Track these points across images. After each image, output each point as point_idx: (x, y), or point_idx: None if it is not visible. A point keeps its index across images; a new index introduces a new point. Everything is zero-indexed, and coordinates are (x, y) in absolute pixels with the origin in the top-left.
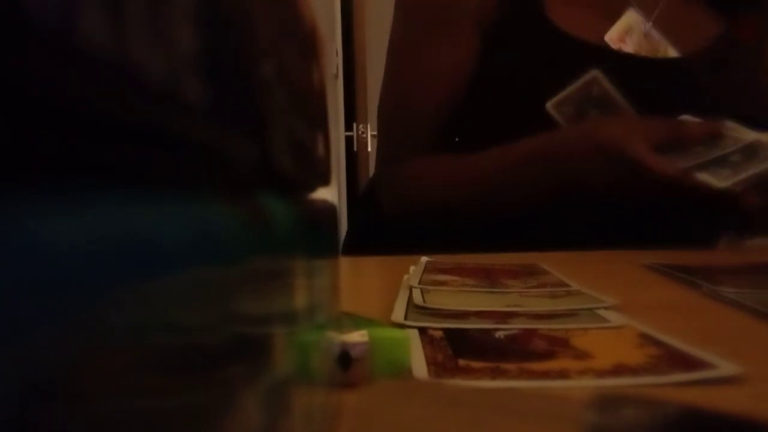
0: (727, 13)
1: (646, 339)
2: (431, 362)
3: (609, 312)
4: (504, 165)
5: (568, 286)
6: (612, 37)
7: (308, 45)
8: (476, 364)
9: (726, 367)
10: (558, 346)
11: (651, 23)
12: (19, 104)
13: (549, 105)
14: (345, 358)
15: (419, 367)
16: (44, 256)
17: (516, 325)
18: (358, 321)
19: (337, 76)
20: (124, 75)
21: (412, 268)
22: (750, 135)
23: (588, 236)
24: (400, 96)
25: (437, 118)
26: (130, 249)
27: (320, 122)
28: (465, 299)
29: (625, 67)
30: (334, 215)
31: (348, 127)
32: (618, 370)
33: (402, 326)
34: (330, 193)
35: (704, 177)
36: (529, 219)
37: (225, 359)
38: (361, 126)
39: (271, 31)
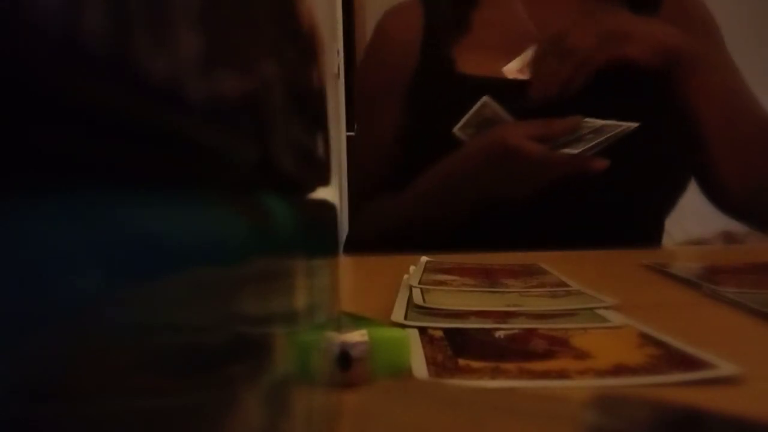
0: None
1: (646, 339)
2: (431, 362)
3: (609, 312)
4: (429, 186)
5: (568, 286)
6: (509, 69)
7: (309, 45)
8: (476, 364)
9: (726, 367)
10: (558, 346)
11: None
12: (19, 104)
13: (455, 130)
14: (345, 358)
15: (419, 367)
16: (45, 255)
17: (516, 325)
18: (358, 321)
19: (338, 75)
20: (126, 74)
21: (412, 268)
22: (599, 122)
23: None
24: (358, 153)
25: (384, 167)
26: (132, 249)
27: (320, 122)
28: (465, 299)
29: (515, 91)
30: (334, 215)
31: (349, 127)
32: (618, 370)
33: (402, 326)
34: (330, 193)
35: (564, 151)
36: (526, 219)
37: (225, 359)
38: None
39: (271, 31)
